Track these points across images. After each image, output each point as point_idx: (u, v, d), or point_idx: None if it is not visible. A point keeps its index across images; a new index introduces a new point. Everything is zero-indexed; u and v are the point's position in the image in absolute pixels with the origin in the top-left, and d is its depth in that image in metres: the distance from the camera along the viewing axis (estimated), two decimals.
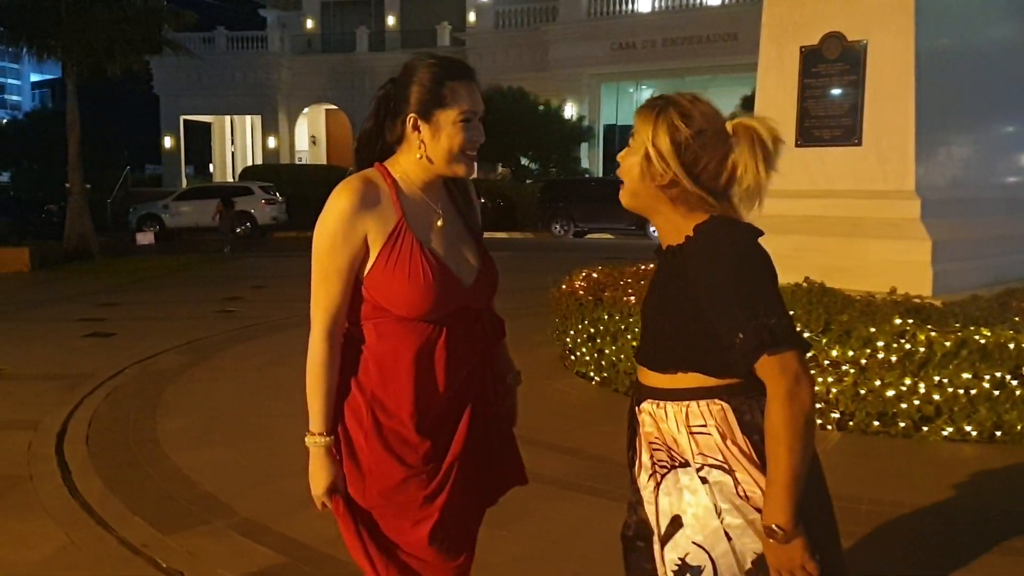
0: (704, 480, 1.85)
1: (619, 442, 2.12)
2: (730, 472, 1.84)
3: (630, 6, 33.10)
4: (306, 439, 2.10)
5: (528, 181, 29.86)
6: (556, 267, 10.16)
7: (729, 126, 1.86)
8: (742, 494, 1.83)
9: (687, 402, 1.89)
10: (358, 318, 2.09)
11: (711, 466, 1.85)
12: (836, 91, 6.92)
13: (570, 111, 32.60)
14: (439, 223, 2.12)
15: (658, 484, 1.93)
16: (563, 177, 28.89)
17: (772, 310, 1.76)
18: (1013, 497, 4.44)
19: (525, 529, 4.01)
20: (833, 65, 6.88)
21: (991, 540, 3.84)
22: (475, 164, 2.11)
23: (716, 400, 1.86)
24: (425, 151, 2.06)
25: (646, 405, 1.97)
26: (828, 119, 6.95)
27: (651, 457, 1.96)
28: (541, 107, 30.49)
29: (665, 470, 1.92)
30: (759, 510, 1.81)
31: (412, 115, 2.05)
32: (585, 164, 32.50)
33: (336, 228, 2.02)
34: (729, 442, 1.84)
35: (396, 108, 2.08)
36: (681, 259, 1.88)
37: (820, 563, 1.78)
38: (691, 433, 1.87)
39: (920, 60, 6.52)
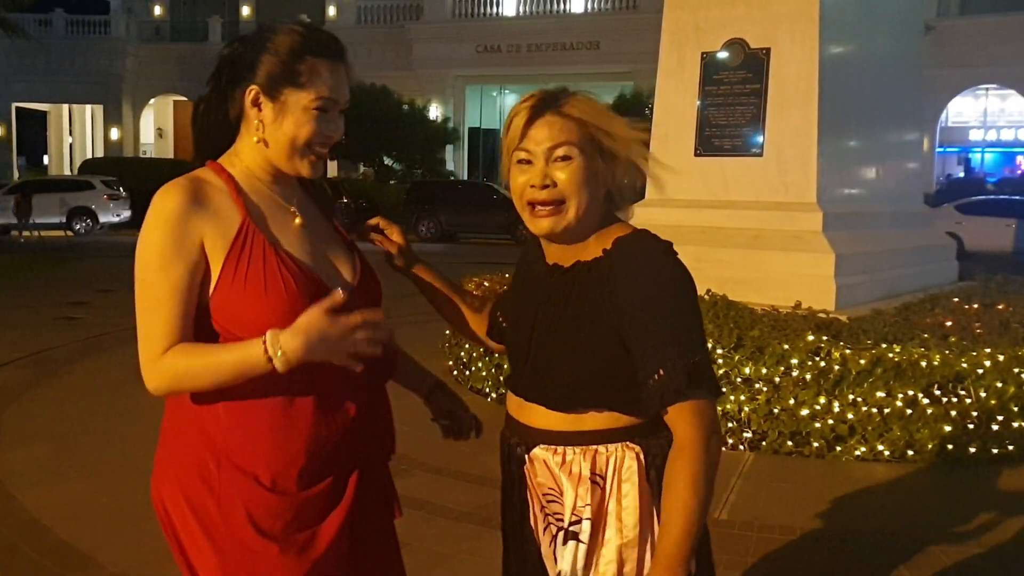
0: (574, 536, 1.59)
1: None
2: (602, 535, 1.60)
3: (495, 9, 33.09)
4: (267, 351, 1.52)
5: (392, 182, 29.31)
6: None
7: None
8: (618, 559, 1.59)
9: (595, 446, 1.59)
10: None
11: (590, 520, 1.60)
12: (737, 99, 6.80)
13: (435, 112, 32.27)
14: (297, 222, 1.68)
15: (554, 538, 1.64)
16: (428, 179, 28.50)
17: (699, 346, 1.55)
18: (910, 520, 4.31)
19: None
20: (735, 73, 6.77)
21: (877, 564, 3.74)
22: (323, 165, 1.68)
23: (631, 443, 1.58)
24: (263, 132, 1.64)
25: (539, 451, 1.64)
26: (729, 128, 6.83)
27: (542, 509, 1.66)
28: (405, 106, 29.99)
29: (561, 522, 1.65)
30: None
31: (254, 87, 1.61)
32: (450, 166, 32.24)
33: (165, 235, 1.58)
34: (629, 498, 1.58)
35: (238, 74, 1.63)
36: (598, 275, 1.57)
37: None
38: (592, 481, 1.58)
39: (823, 70, 6.48)
